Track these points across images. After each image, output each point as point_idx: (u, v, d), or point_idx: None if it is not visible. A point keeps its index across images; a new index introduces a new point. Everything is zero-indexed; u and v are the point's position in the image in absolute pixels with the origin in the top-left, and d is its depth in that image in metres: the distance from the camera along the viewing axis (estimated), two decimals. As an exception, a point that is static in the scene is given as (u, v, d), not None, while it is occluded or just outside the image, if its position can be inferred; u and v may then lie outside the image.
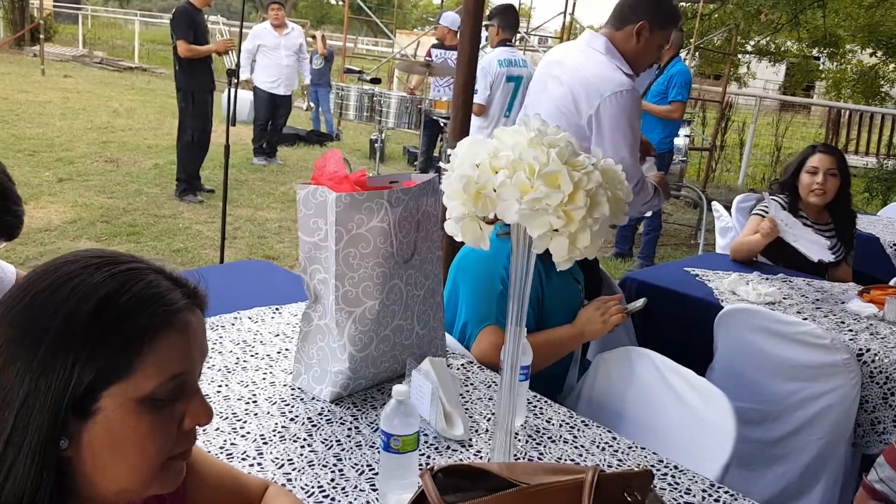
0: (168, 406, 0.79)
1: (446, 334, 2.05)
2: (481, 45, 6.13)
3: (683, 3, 10.07)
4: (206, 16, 6.66)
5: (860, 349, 2.27)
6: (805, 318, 2.47)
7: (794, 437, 2.33)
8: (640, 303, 2.06)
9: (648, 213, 3.42)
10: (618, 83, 2.43)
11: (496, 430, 1.31)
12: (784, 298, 2.69)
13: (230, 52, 6.68)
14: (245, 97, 9.08)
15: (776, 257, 3.15)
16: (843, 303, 2.69)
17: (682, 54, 9.44)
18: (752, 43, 11.88)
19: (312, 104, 9.64)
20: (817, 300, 2.71)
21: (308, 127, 10.19)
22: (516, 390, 1.28)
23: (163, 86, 14.33)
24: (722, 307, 2.50)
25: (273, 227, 5.86)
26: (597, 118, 2.43)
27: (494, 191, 1.08)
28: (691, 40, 8.45)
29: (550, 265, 2.07)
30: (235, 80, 4.07)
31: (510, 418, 1.28)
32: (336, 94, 6.41)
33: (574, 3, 9.66)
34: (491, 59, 4.91)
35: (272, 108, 7.91)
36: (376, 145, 6.70)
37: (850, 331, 2.41)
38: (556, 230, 1.08)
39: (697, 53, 9.75)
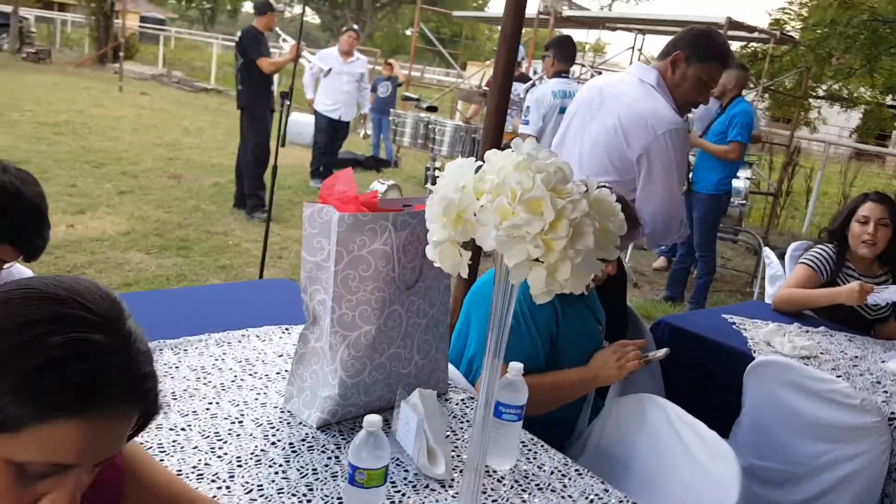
0: (32, 482, 0.73)
1: (451, 367, 1.98)
2: (537, 76, 6.11)
3: (755, 45, 9.89)
4: (280, 37, 6.87)
5: (893, 412, 2.10)
6: (839, 376, 2.32)
7: (816, 502, 2.17)
8: (661, 352, 1.95)
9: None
10: (670, 121, 2.41)
11: (465, 471, 1.23)
12: (821, 353, 2.53)
13: (304, 55, 6.80)
14: (307, 121, 9.25)
15: (821, 309, 2.98)
16: (883, 362, 2.51)
17: (751, 95, 9.25)
18: (824, 87, 11.54)
19: (369, 132, 9.76)
20: (856, 357, 2.55)
21: (368, 153, 10.29)
22: (489, 429, 1.20)
23: (234, 108, 14.62)
24: (753, 358, 2.36)
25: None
26: (648, 157, 2.42)
27: (475, 215, 1.02)
28: (761, 81, 8.25)
29: (568, 302, 1.99)
30: (287, 103, 4.10)
31: (480, 459, 1.20)
32: (392, 120, 6.44)
33: (643, 39, 9.57)
34: (545, 89, 4.86)
35: (331, 133, 8.00)
36: (428, 173, 6.70)
37: (885, 392, 2.25)
38: (536, 260, 1.00)
39: (767, 95, 9.51)
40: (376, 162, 9.70)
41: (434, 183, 1.06)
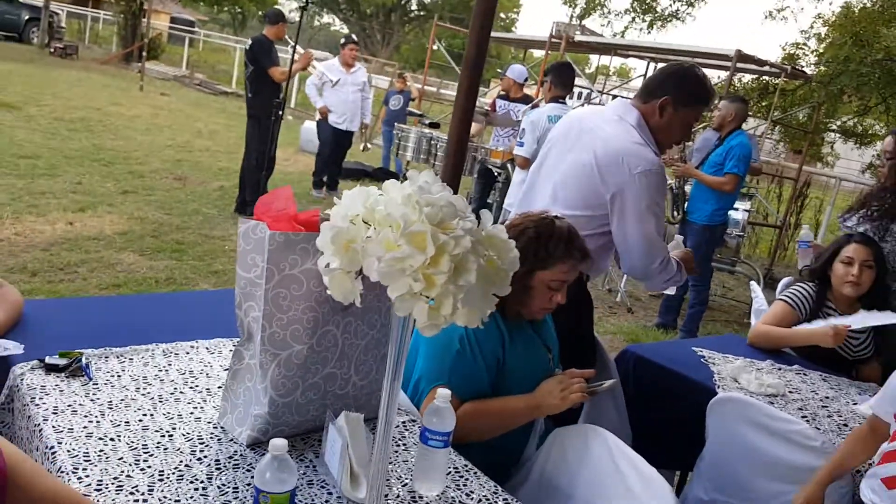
0: None
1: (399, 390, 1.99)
2: (537, 99, 6.11)
3: (766, 77, 9.85)
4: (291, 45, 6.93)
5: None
6: (804, 416, 2.29)
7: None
8: (607, 384, 1.94)
9: (670, 291, 3.30)
10: (648, 162, 2.40)
11: (368, 491, 1.23)
12: (790, 392, 2.50)
13: (313, 63, 6.84)
14: (311, 126, 9.30)
15: (800, 347, 2.96)
16: (854, 404, 2.48)
17: (761, 128, 9.21)
18: (837, 123, 11.44)
19: (369, 145, 9.79)
20: (827, 398, 2.52)
21: (376, 164, 10.34)
22: (388, 451, 1.20)
23: (251, 111, 14.84)
24: (717, 393, 2.34)
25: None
26: (621, 196, 2.42)
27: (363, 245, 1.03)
28: (773, 114, 8.20)
29: (517, 327, 1.99)
30: (280, 112, 4.13)
31: (379, 480, 1.20)
32: (396, 134, 6.48)
33: (656, 66, 9.55)
34: (541, 113, 4.87)
35: (335, 143, 8.06)
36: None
37: (851, 436, 2.21)
38: (419, 294, 1.01)
39: (777, 128, 9.45)
40: (385, 174, 9.74)
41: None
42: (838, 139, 12.32)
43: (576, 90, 15.20)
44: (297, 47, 6.19)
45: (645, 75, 9.82)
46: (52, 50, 19.46)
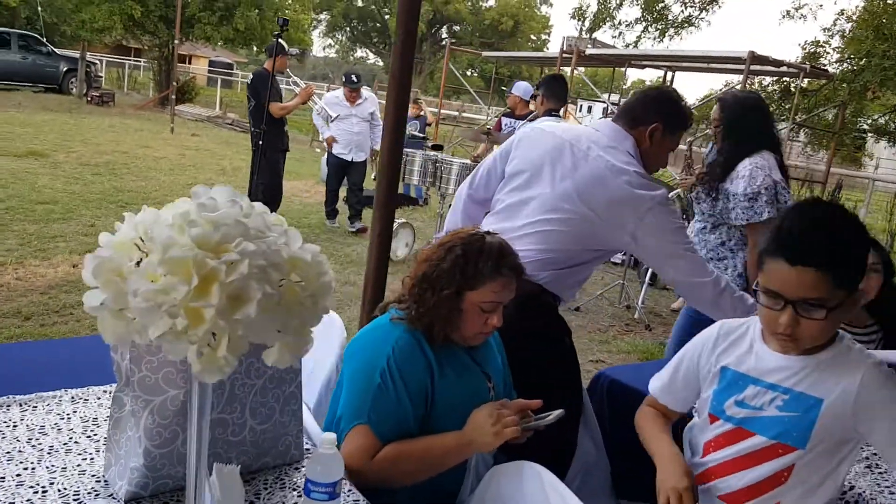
0: None
1: (315, 429, 1.83)
2: (529, 116, 5.95)
3: (786, 79, 9.49)
4: (292, 79, 6.90)
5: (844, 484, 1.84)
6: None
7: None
8: (552, 416, 1.75)
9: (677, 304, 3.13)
10: (652, 198, 2.27)
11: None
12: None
13: (314, 98, 6.79)
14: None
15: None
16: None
17: (784, 130, 8.87)
18: (868, 121, 10.97)
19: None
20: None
21: (398, 190, 10.25)
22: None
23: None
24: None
25: (319, 289, 5.79)
26: (637, 242, 2.31)
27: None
28: (797, 116, 7.88)
29: (449, 355, 1.81)
30: (261, 143, 4.04)
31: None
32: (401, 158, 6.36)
33: (673, 75, 9.31)
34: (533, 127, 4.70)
35: (342, 174, 8.04)
36: (438, 211, 6.59)
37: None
38: (185, 332, 0.85)
39: (802, 131, 9.09)
40: (404, 199, 9.64)
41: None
42: (870, 138, 11.84)
43: (601, 105, 14.98)
44: (299, 81, 6.15)
45: (664, 84, 9.58)
46: (89, 98, 19.96)
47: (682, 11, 11.04)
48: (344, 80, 8.02)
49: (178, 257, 0.82)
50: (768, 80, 9.82)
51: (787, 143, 7.67)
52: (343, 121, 7.68)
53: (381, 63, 51.97)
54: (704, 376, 1.79)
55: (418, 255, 1.86)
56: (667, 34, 11.13)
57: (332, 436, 1.36)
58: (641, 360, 4.98)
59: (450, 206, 2.76)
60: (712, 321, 3.38)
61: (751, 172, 3.03)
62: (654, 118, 2.39)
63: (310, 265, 0.91)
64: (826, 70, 8.68)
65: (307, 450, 1.71)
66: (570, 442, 2.30)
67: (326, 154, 8.21)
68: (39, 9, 23.70)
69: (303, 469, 1.63)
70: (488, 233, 1.85)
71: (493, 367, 1.93)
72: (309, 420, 1.92)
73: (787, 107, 9.37)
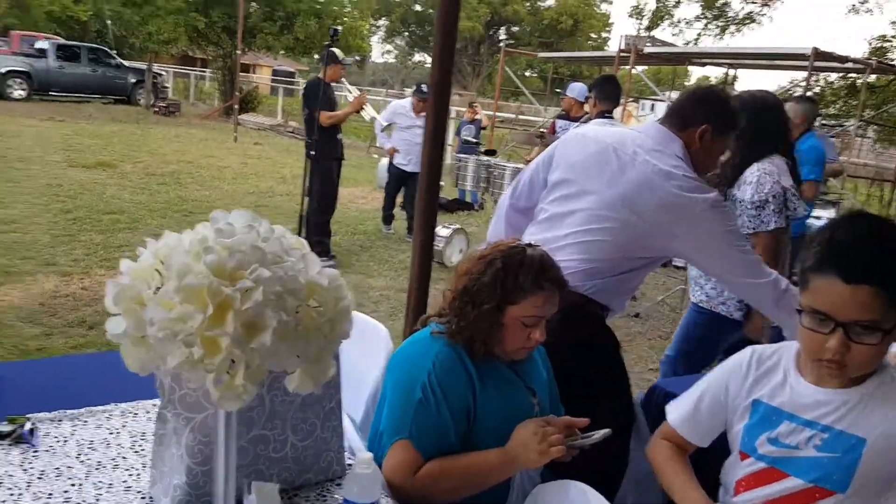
0: None
1: (358, 444, 1.82)
2: (583, 118, 5.85)
3: (852, 76, 9.13)
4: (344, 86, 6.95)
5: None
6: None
7: None
8: (599, 434, 1.70)
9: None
10: (704, 200, 2.19)
11: None
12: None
13: (366, 107, 6.81)
14: (383, 164, 9.36)
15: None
16: None
17: (851, 128, 8.53)
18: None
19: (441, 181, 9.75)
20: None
21: (453, 195, 10.26)
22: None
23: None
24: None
25: (374, 294, 5.83)
26: (696, 241, 2.23)
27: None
28: (865, 113, 7.57)
29: (491, 370, 1.78)
30: (312, 153, 4.08)
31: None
32: (454, 164, 6.36)
33: (735, 75, 9.08)
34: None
35: (401, 184, 8.09)
36: (492, 217, 6.54)
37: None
38: (201, 361, 0.84)
39: (871, 128, 8.73)
40: (459, 205, 9.65)
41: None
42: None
43: (660, 104, 14.69)
44: (352, 89, 6.19)
45: (726, 83, 9.34)
46: (156, 109, 20.57)
47: (743, 7, 10.80)
48: (415, 89, 8.04)
49: (194, 285, 0.81)
50: (834, 76, 9.50)
51: (854, 140, 7.38)
52: (406, 131, 7.69)
53: (438, 67, 52.16)
54: (734, 409, 1.65)
55: (458, 268, 1.84)
56: (727, 31, 10.88)
57: (368, 455, 1.34)
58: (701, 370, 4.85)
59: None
60: (720, 316, 3.32)
61: (758, 179, 2.91)
62: (703, 119, 2.31)
63: (327, 290, 0.90)
64: (894, 65, 8.32)
65: (349, 465, 1.70)
66: (620, 457, 2.24)
67: (387, 162, 8.27)
68: (108, 22, 24.52)
69: (344, 482, 1.62)
70: (529, 245, 1.81)
71: (538, 382, 1.89)
72: (352, 434, 1.91)
73: (853, 103, 9.03)
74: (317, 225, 6.45)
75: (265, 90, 31.44)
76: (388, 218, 8.25)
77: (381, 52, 63.69)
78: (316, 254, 3.61)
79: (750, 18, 10.74)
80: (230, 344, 0.81)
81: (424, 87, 7.84)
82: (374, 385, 2.23)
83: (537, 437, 1.66)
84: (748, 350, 1.68)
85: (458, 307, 1.76)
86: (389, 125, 7.17)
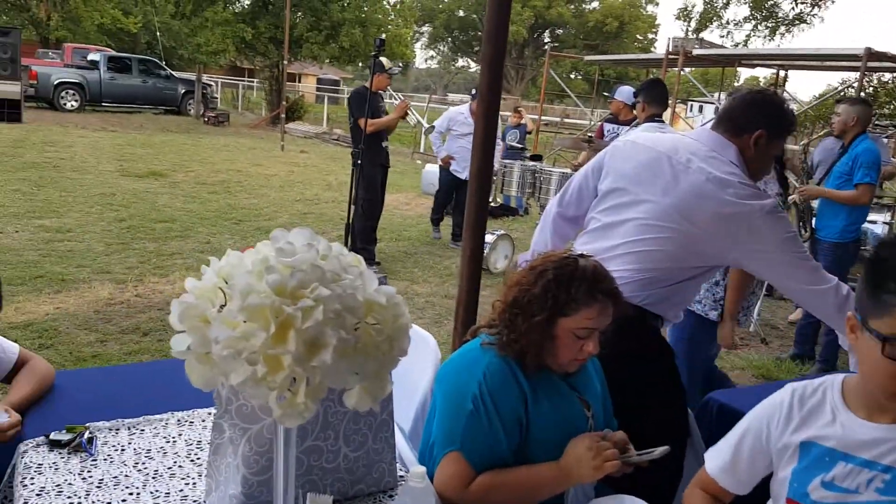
0: None
1: (410, 456, 1.82)
2: (634, 123, 5.78)
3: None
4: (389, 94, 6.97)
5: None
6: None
7: None
8: (656, 452, 1.67)
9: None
10: (759, 206, 2.15)
11: None
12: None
13: (410, 112, 6.81)
14: (437, 171, 9.33)
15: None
16: None
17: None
18: None
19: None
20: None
21: (498, 201, 10.24)
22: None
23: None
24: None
25: (420, 301, 5.84)
26: (754, 249, 2.18)
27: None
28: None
29: (544, 382, 1.77)
30: (359, 162, 4.12)
31: None
32: (499, 169, 6.34)
33: (785, 76, 8.89)
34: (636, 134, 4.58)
35: (452, 191, 8.04)
36: (538, 223, 6.50)
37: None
38: (265, 379, 0.85)
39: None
40: (505, 210, 9.63)
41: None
42: None
43: (708, 106, 14.48)
44: (397, 95, 6.21)
45: (776, 84, 9.15)
46: (205, 119, 20.95)
47: (794, 8, 10.57)
48: (473, 94, 7.92)
49: (257, 304, 0.82)
50: (888, 76, 9.24)
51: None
52: (463, 138, 7.55)
53: (482, 71, 52.36)
54: (779, 453, 1.52)
55: (507, 279, 1.83)
56: (777, 32, 10.66)
57: (421, 469, 1.34)
58: (756, 377, 4.75)
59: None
60: (696, 315, 3.26)
61: None
62: (757, 124, 2.26)
63: (385, 308, 0.90)
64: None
65: (401, 476, 1.71)
66: (674, 470, 2.20)
67: (435, 168, 8.25)
68: (158, 34, 25.10)
69: (397, 496, 1.63)
70: (582, 256, 1.79)
71: (592, 394, 1.87)
72: (402, 445, 1.92)
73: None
74: (362, 232, 6.49)
75: (310, 99, 31.83)
76: (437, 220, 8.24)
77: (424, 58, 64.03)
78: (366, 259, 3.63)
79: (800, 19, 10.52)
80: (292, 362, 0.82)
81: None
82: (423, 395, 2.23)
83: (592, 451, 1.64)
84: (787, 389, 1.56)
85: (508, 318, 1.74)
86: (432, 126, 7.15)
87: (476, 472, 1.66)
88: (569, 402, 1.80)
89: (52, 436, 1.74)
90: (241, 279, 0.85)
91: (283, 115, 17.05)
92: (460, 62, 59.46)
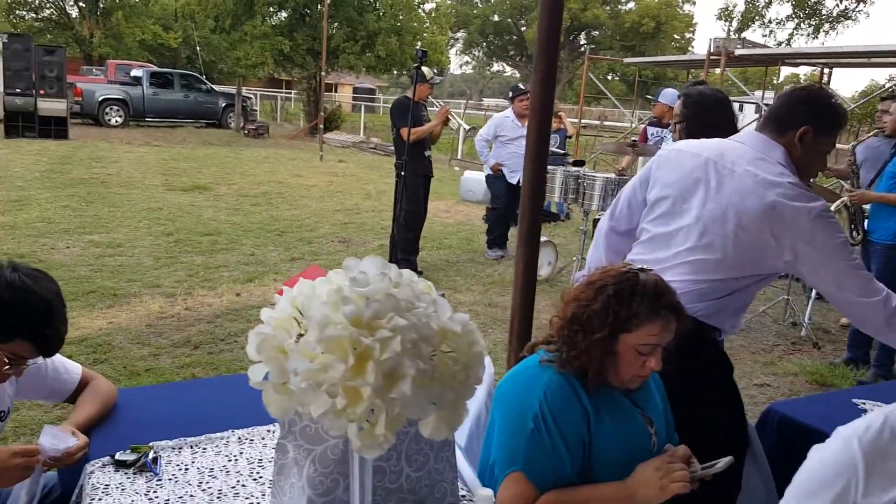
0: None
1: (471, 476, 1.81)
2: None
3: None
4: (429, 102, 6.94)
5: None
6: None
7: None
8: (720, 464, 1.64)
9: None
10: (809, 208, 2.09)
11: None
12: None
13: (451, 117, 6.76)
14: (479, 178, 9.27)
15: None
16: None
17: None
18: None
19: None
20: None
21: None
22: None
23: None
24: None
25: (463, 310, 5.75)
26: (804, 253, 2.11)
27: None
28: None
29: (606, 399, 1.75)
30: (403, 173, 4.12)
31: None
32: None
33: (830, 74, 8.69)
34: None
35: (512, 196, 7.46)
36: (581, 228, 6.44)
37: None
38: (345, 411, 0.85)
39: None
40: (546, 216, 9.57)
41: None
42: None
43: (749, 106, 14.26)
44: (437, 102, 6.21)
45: (820, 82, 8.96)
46: (245, 132, 21.24)
47: (837, 5, 10.34)
48: (511, 94, 7.65)
49: (335, 336, 0.82)
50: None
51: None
52: (511, 142, 7.36)
53: (517, 75, 52.31)
54: None
55: (564, 295, 1.81)
56: (821, 29, 10.45)
57: (488, 492, 1.33)
58: (810, 383, 4.65)
59: (594, 221, 2.68)
60: None
61: None
62: (802, 121, 2.19)
63: (460, 336, 0.89)
64: None
65: (462, 496, 1.70)
66: (734, 483, 2.16)
67: (486, 178, 7.96)
68: (198, 48, 25.50)
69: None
70: (642, 270, 1.76)
71: (654, 410, 1.84)
72: (462, 464, 1.91)
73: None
74: (404, 243, 6.50)
75: (347, 108, 32.09)
76: (493, 242, 7.73)
77: (458, 63, 64.16)
78: (408, 268, 3.58)
79: (844, 15, 10.31)
80: (372, 394, 0.81)
81: (522, 85, 7.67)
82: (477, 410, 2.22)
83: (660, 472, 1.62)
84: (852, 443, 1.35)
85: (567, 335, 1.73)
86: (475, 128, 7.09)
87: (539, 491, 1.65)
88: (632, 419, 1.77)
89: (118, 456, 1.77)
90: (317, 310, 0.85)
91: (321, 126, 17.19)
92: (495, 67, 59.49)
